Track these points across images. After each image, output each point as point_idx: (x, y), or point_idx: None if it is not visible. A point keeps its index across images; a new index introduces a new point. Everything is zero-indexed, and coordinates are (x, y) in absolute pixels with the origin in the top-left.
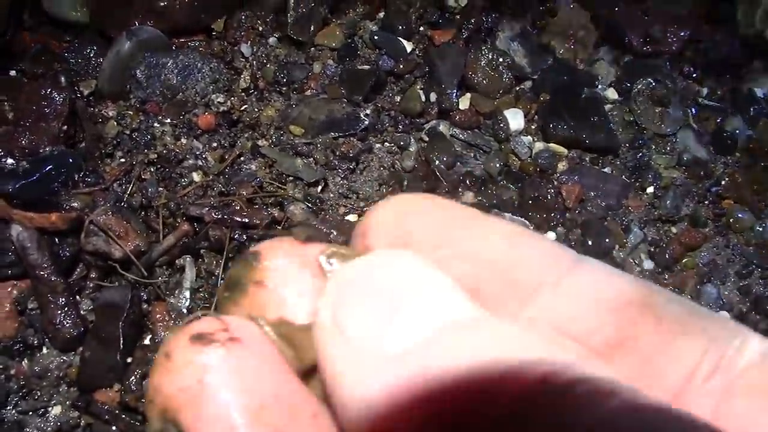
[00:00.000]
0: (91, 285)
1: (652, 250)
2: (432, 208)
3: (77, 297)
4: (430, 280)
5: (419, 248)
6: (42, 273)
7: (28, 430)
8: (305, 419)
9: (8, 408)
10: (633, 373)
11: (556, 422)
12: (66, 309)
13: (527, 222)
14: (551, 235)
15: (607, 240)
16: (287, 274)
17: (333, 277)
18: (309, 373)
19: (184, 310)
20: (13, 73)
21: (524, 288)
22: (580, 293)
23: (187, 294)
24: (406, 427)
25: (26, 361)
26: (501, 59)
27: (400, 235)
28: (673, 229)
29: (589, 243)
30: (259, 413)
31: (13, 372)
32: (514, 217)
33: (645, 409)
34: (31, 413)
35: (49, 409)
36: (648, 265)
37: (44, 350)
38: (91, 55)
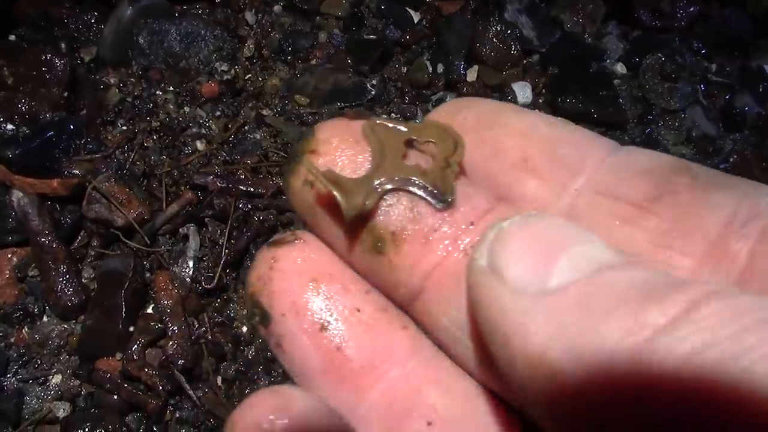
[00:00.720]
0: (93, 253)
1: None
2: (484, 103)
3: (79, 265)
4: (579, 235)
5: (472, 130)
6: (43, 240)
7: (28, 398)
8: (357, 293)
9: (8, 376)
10: (672, 224)
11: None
12: (67, 277)
13: None
14: None
15: None
16: (337, 144)
17: (491, 227)
18: (355, 223)
19: (188, 279)
20: (12, 38)
21: (570, 163)
22: (621, 165)
23: (191, 263)
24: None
25: (26, 329)
26: (509, 31)
27: (456, 121)
28: None
29: None
30: (316, 286)
31: (13, 340)
32: None
33: None
34: (31, 381)
35: (50, 377)
36: None
37: (45, 318)
38: (92, 21)
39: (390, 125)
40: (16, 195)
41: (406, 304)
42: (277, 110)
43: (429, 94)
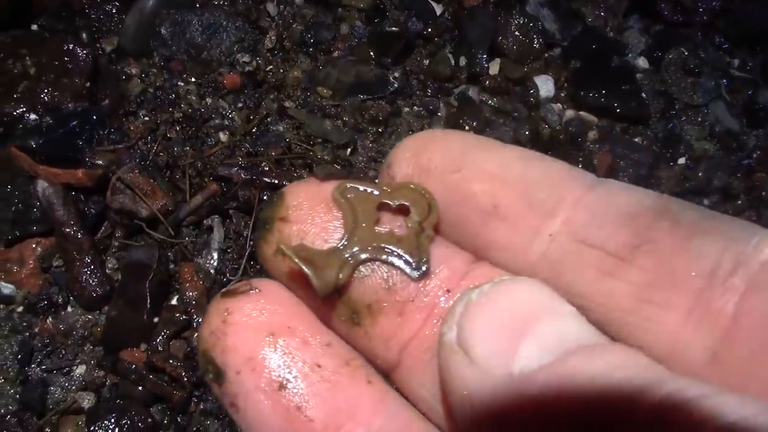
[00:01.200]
0: (117, 244)
1: None
2: (450, 138)
3: (102, 255)
4: (551, 306)
5: (439, 173)
6: (68, 230)
7: (52, 388)
8: (318, 346)
9: (32, 366)
10: (653, 275)
11: None
12: (92, 267)
13: None
14: None
15: None
16: (307, 210)
17: (459, 299)
18: (330, 296)
19: (212, 271)
20: (34, 27)
21: (544, 205)
22: (598, 206)
23: (215, 255)
24: None
25: (51, 319)
26: (531, 25)
27: (421, 163)
28: (705, 201)
29: None
30: (273, 340)
31: (37, 330)
32: None
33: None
34: (55, 371)
35: (74, 367)
36: None
37: (69, 308)
38: (113, 11)
39: (361, 189)
40: (41, 185)
41: (385, 373)
42: (299, 102)
43: (451, 87)
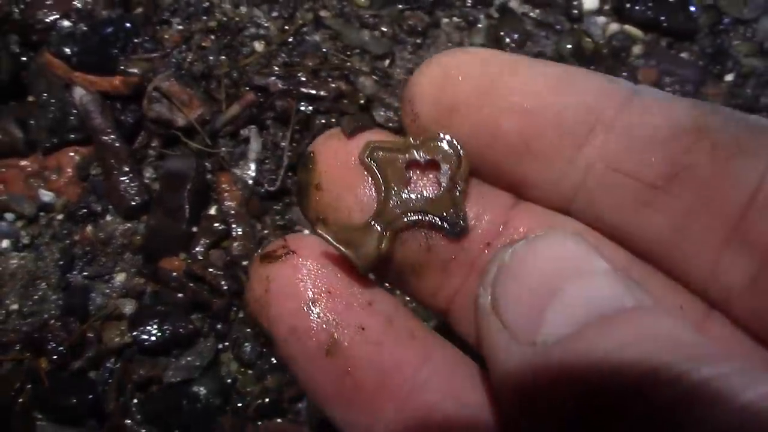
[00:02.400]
0: (154, 153)
1: None
2: (475, 63)
3: (140, 165)
4: (587, 268)
5: (465, 111)
6: (106, 138)
7: (93, 294)
8: (360, 307)
9: (74, 272)
10: (691, 203)
11: (694, 418)
12: (130, 176)
13: None
14: None
15: None
16: (340, 175)
17: (493, 259)
18: (375, 267)
19: (250, 182)
20: None
21: (577, 132)
22: (633, 129)
23: (253, 165)
24: (549, 415)
25: (90, 227)
26: None
27: (445, 99)
28: None
29: None
30: (315, 307)
31: (77, 237)
32: None
33: None
34: (96, 278)
35: (114, 275)
36: None
37: (108, 217)
38: None
39: (389, 147)
40: (78, 92)
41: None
42: (336, 11)
43: None
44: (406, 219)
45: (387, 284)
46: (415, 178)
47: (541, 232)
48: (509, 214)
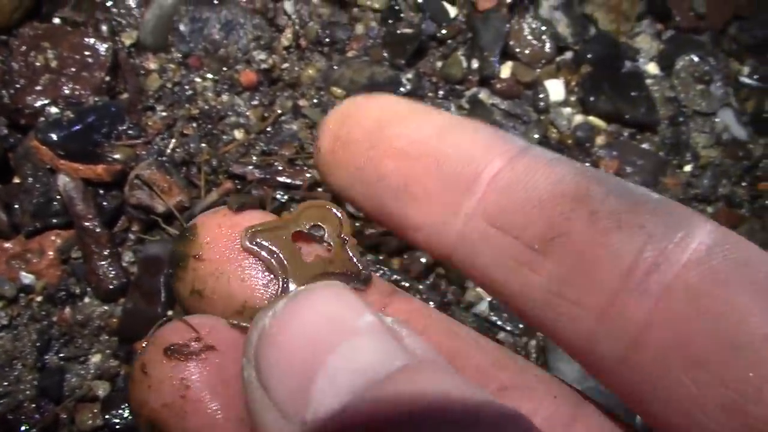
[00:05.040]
0: (133, 238)
1: None
2: (374, 107)
3: (119, 249)
4: (352, 326)
5: (355, 149)
6: (87, 224)
7: (68, 375)
8: None
9: (50, 354)
10: (568, 270)
11: None
12: (109, 260)
13: None
14: None
15: None
16: (222, 247)
17: (254, 323)
18: None
19: None
20: (57, 21)
21: (458, 181)
22: (515, 187)
23: None
24: None
25: (68, 309)
26: (544, 28)
27: (342, 136)
28: (709, 209)
29: None
30: (245, 420)
31: (55, 319)
32: None
33: None
34: (71, 360)
35: (90, 356)
36: None
37: (86, 299)
38: (133, 5)
39: (269, 227)
40: (62, 180)
41: None
42: (313, 101)
43: (463, 90)
44: (308, 283)
45: None
46: (304, 246)
47: (303, 288)
48: (385, 301)
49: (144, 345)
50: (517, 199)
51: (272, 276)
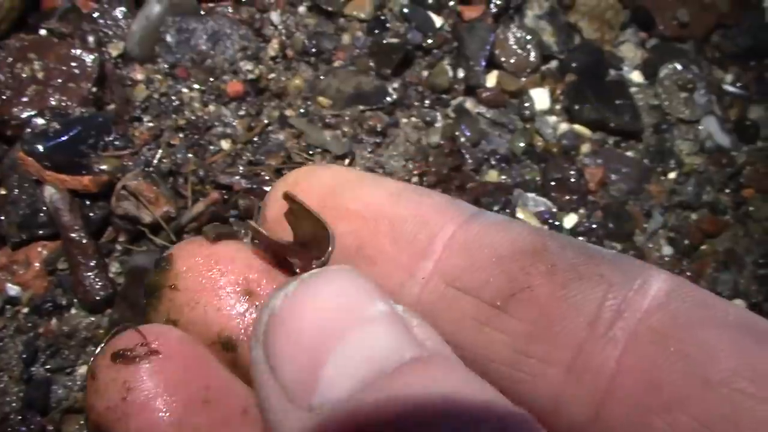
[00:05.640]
0: (120, 248)
1: (672, 236)
2: (325, 175)
3: (106, 259)
4: (364, 313)
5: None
6: (73, 235)
7: (55, 387)
8: (235, 417)
9: (37, 366)
10: (531, 326)
11: None
12: (96, 271)
13: (549, 203)
14: (572, 217)
15: (627, 224)
16: (198, 276)
17: (264, 304)
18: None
19: None
20: (43, 32)
21: (413, 244)
22: (472, 246)
23: None
24: None
25: (55, 321)
26: (529, 37)
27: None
28: (693, 216)
29: (611, 226)
30: (186, 420)
31: (41, 330)
32: (537, 198)
33: None
34: (58, 371)
35: (76, 368)
36: (667, 250)
37: (73, 310)
38: (120, 16)
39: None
40: (49, 191)
41: None
42: (300, 111)
43: (449, 99)
44: None
45: None
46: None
47: (316, 270)
48: None
49: (96, 352)
50: (475, 257)
51: (247, 302)
